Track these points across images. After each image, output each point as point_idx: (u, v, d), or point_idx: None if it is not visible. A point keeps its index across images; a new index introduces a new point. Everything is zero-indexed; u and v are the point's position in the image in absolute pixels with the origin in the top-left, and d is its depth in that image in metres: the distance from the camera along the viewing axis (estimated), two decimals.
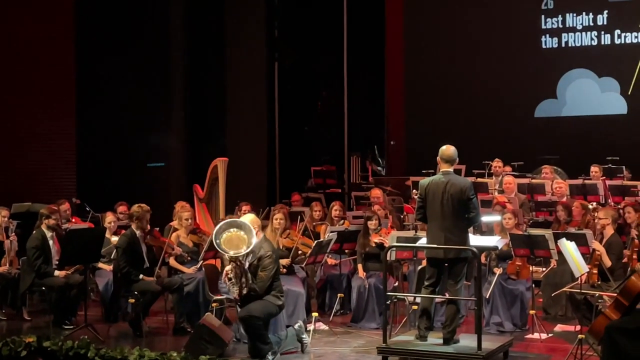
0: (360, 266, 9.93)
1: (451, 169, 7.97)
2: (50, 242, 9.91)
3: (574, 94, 16.56)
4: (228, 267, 8.10)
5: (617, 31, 16.18)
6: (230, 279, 8.01)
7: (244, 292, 8.00)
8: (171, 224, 10.38)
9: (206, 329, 8.25)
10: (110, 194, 12.97)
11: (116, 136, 15.86)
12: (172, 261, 9.86)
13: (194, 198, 11.96)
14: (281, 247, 9.63)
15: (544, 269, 10.07)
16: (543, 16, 16.73)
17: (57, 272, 9.79)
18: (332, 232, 10.07)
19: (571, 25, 16.54)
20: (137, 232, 9.50)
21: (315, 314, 9.37)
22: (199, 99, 17.38)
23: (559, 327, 9.46)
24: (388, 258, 8.75)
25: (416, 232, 9.51)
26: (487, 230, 10.49)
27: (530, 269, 9.45)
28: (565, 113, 16.66)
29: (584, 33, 16.46)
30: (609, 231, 9.05)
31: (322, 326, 9.47)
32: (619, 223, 9.56)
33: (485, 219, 10.19)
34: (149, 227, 9.66)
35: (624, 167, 13.76)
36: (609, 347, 6.95)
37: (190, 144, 17.33)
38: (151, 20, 16.51)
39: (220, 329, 8.36)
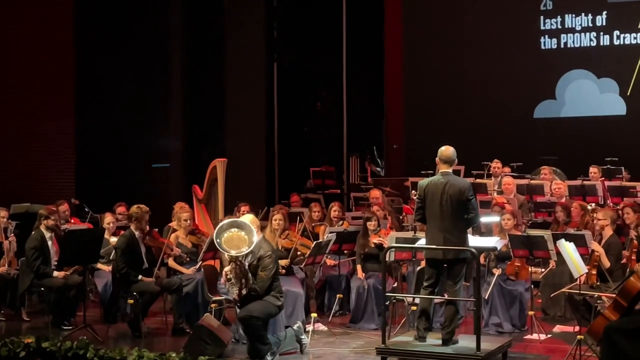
0: (359, 267, 9.93)
1: (450, 170, 7.97)
2: (49, 242, 9.91)
3: (573, 94, 16.56)
4: (227, 268, 8.10)
5: (616, 32, 16.18)
6: (229, 280, 8.01)
7: (244, 292, 8.00)
8: (170, 224, 10.38)
9: (205, 329, 8.25)
10: (109, 195, 12.97)
11: (115, 137, 15.85)
12: (171, 262, 9.86)
13: (192, 199, 11.96)
14: (280, 248, 9.63)
15: (542, 270, 10.08)
16: (542, 17, 16.73)
17: (56, 273, 9.78)
18: (331, 232, 10.07)
19: (570, 26, 16.54)
20: (136, 233, 9.49)
21: (314, 315, 9.38)
22: (198, 99, 17.37)
23: (557, 328, 9.46)
24: (387, 259, 8.74)
25: (415, 232, 9.51)
26: (486, 231, 10.49)
27: (529, 269, 9.45)
28: (564, 114, 16.66)
29: (583, 34, 16.46)
30: (608, 232, 9.05)
31: (321, 327, 9.47)
32: (617, 224, 9.57)
33: (484, 219, 10.19)
34: (147, 227, 9.66)
35: (622, 167, 13.77)
36: (608, 348, 6.95)
37: (189, 145, 17.33)
38: (150, 21, 16.50)
39: (219, 329, 8.36)
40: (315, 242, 9.59)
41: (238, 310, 8.17)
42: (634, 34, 16.03)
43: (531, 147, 15.93)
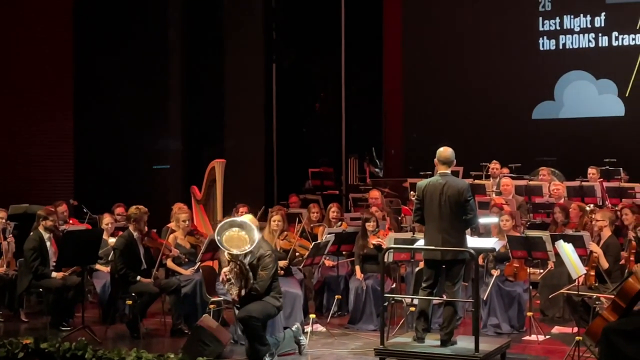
0: (358, 268, 9.93)
1: (449, 171, 7.96)
2: (48, 243, 9.90)
3: (571, 95, 16.57)
4: (226, 269, 8.10)
5: (615, 33, 16.19)
6: (229, 280, 8.01)
7: (244, 292, 7.99)
8: (169, 225, 10.38)
9: (203, 330, 8.25)
10: (108, 196, 12.96)
11: (114, 138, 15.84)
12: (169, 263, 9.86)
13: (191, 200, 11.96)
14: (278, 249, 9.63)
15: (541, 271, 10.09)
16: (540, 18, 16.75)
17: (54, 274, 9.78)
18: (329, 233, 10.07)
19: (569, 27, 16.56)
20: (135, 234, 9.49)
21: (312, 316, 9.38)
22: (198, 100, 17.37)
23: (556, 329, 9.46)
24: (386, 259, 8.75)
25: (414, 233, 9.51)
26: (485, 232, 10.49)
27: (528, 270, 9.46)
28: (563, 115, 16.68)
29: (581, 35, 16.47)
30: (607, 233, 9.06)
31: (319, 328, 9.47)
32: (616, 225, 9.56)
33: (483, 220, 10.19)
34: (146, 228, 9.66)
35: (621, 169, 13.77)
36: (606, 349, 6.95)
37: (188, 146, 17.33)
38: (149, 22, 16.50)
39: (218, 330, 8.36)
40: (313, 243, 9.59)
41: (237, 311, 8.17)
42: (632, 35, 16.05)
43: (530, 148, 15.94)
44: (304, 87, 18.79)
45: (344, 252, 10.31)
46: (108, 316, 9.85)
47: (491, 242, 8.61)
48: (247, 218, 8.37)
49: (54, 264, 9.84)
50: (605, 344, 6.97)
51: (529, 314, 9.21)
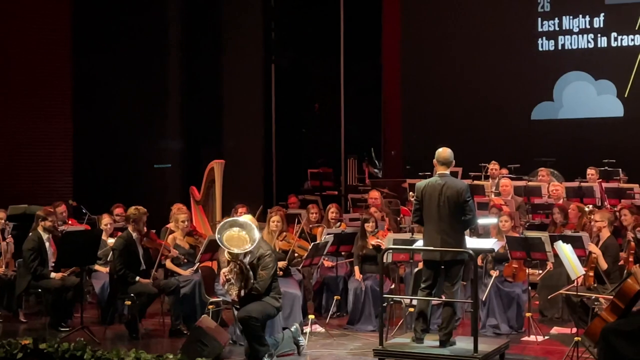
0: (357, 268, 9.93)
1: (447, 172, 7.97)
2: (47, 244, 9.90)
3: (570, 96, 16.58)
4: (226, 269, 8.10)
5: (614, 34, 16.20)
6: (229, 280, 8.01)
7: (245, 292, 7.99)
8: (167, 226, 10.38)
9: (202, 331, 8.25)
10: (107, 196, 12.96)
11: (113, 138, 15.84)
12: (168, 263, 9.85)
13: (190, 200, 11.96)
14: (277, 249, 9.63)
15: (540, 272, 10.09)
16: (539, 19, 16.75)
17: (53, 274, 9.78)
18: (328, 234, 10.07)
19: (568, 28, 16.56)
20: (134, 234, 9.49)
21: (311, 316, 9.37)
22: (196, 100, 17.37)
23: (555, 330, 9.46)
24: (385, 260, 8.74)
25: (413, 234, 9.51)
26: (484, 233, 10.49)
27: (527, 271, 9.46)
28: (562, 116, 16.68)
29: (580, 36, 16.48)
30: (605, 234, 9.06)
31: (318, 328, 9.47)
32: (615, 225, 9.57)
33: (482, 221, 10.19)
34: (145, 229, 9.66)
35: (620, 169, 13.79)
36: (605, 350, 6.96)
37: (187, 146, 17.32)
38: (148, 23, 16.49)
39: (217, 331, 8.36)
40: (312, 244, 9.59)
41: (236, 312, 8.17)
42: (631, 36, 16.05)
43: (529, 149, 15.94)
44: (303, 87, 18.79)
45: (343, 253, 10.30)
46: (107, 317, 9.85)
47: (490, 243, 8.62)
48: (247, 218, 8.37)
49: (53, 264, 9.83)
50: (604, 344, 6.97)
51: (528, 314, 9.21)
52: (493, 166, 13.82)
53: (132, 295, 9.26)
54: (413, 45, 17.64)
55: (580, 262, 8.48)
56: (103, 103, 15.83)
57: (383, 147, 18.23)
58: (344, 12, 18.00)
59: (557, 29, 16.63)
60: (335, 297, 10.08)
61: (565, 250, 8.29)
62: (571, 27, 16.53)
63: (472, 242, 8.20)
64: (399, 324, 9.41)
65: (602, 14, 16.27)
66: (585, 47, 16.43)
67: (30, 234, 9.96)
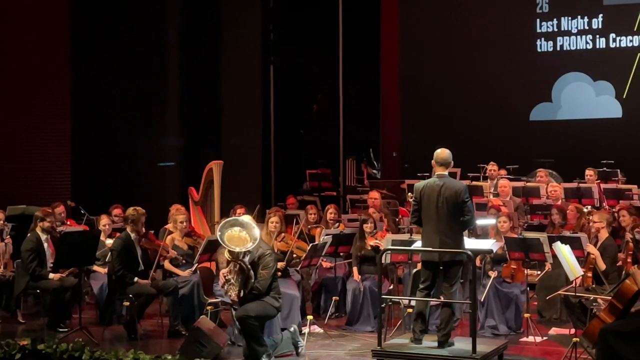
0: (355, 269, 9.93)
1: (446, 172, 7.97)
2: (45, 244, 9.89)
3: (569, 97, 16.58)
4: (225, 270, 8.10)
5: (612, 35, 16.21)
6: (228, 281, 8.00)
7: (245, 292, 7.99)
8: (166, 226, 10.38)
9: (201, 331, 8.25)
10: (105, 197, 12.95)
11: (112, 139, 15.84)
12: (166, 264, 9.85)
13: (189, 201, 11.95)
14: (276, 250, 9.62)
15: (538, 272, 10.08)
16: (538, 20, 16.76)
17: (51, 275, 9.77)
18: (327, 235, 10.07)
19: (566, 29, 16.57)
20: (132, 235, 9.49)
21: (310, 317, 9.36)
22: (195, 101, 17.37)
23: (553, 331, 9.47)
24: (383, 261, 8.74)
25: (411, 235, 9.51)
26: (482, 234, 10.50)
27: (525, 272, 9.47)
28: (560, 116, 16.68)
29: (579, 36, 16.48)
30: (604, 234, 9.06)
31: (317, 329, 9.46)
32: (613, 226, 9.56)
33: (480, 222, 10.20)
34: (143, 230, 9.65)
35: (618, 170, 13.79)
36: (604, 351, 6.96)
37: (185, 147, 17.33)
38: (147, 23, 16.49)
39: (215, 331, 8.35)
40: (311, 245, 9.59)
41: (234, 312, 8.17)
42: (629, 37, 16.06)
43: (527, 150, 15.94)
44: (301, 88, 18.79)
45: (341, 254, 10.31)
46: (105, 317, 9.85)
47: (489, 244, 8.62)
48: (246, 219, 8.37)
49: (52, 265, 9.83)
50: (602, 345, 6.97)
51: (527, 315, 9.21)
52: (492, 167, 13.83)
53: (130, 296, 9.26)
54: (412, 46, 17.64)
55: (579, 263, 8.48)
56: (102, 104, 15.84)
57: (382, 148, 18.23)
58: (343, 13, 18.00)
59: (555, 29, 16.64)
60: (334, 297, 10.09)
61: (564, 251, 8.29)
62: (570, 28, 16.53)
63: (470, 243, 8.20)
64: (398, 324, 9.41)
65: (600, 15, 16.28)
66: (584, 48, 16.44)
67: (29, 234, 9.95)
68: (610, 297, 7.47)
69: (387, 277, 9.84)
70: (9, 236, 10.83)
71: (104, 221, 10.80)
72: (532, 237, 9.25)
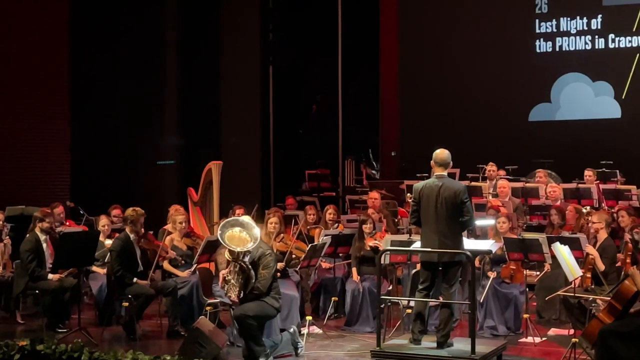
0: (354, 270, 9.93)
1: (445, 173, 7.98)
2: (44, 245, 9.89)
3: (568, 98, 16.58)
4: (225, 270, 8.10)
5: (611, 35, 16.21)
6: (228, 282, 8.00)
7: (246, 292, 7.98)
8: (165, 227, 10.37)
9: (200, 332, 8.25)
10: (105, 197, 12.95)
11: (111, 139, 15.84)
12: (166, 264, 9.85)
13: (188, 201, 11.95)
14: (275, 251, 9.62)
15: (537, 273, 10.08)
16: (537, 20, 16.76)
17: (50, 276, 9.76)
18: (326, 235, 10.07)
19: (565, 29, 16.57)
20: (131, 236, 9.49)
21: (309, 318, 9.36)
22: (194, 101, 17.38)
23: (552, 331, 9.47)
24: (382, 261, 8.74)
25: (410, 235, 9.51)
26: (481, 234, 10.50)
27: (524, 272, 9.47)
28: (559, 117, 16.69)
29: (578, 37, 16.48)
30: (603, 235, 9.06)
31: (316, 330, 9.46)
32: (612, 227, 9.57)
33: (479, 222, 10.20)
34: (143, 230, 9.65)
35: (617, 171, 13.78)
36: (603, 351, 6.96)
37: (185, 147, 17.33)
38: (146, 24, 16.50)
39: (214, 332, 8.35)
40: (310, 245, 9.59)
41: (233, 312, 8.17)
42: (629, 38, 16.06)
43: (526, 150, 15.94)
44: (300, 89, 18.80)
45: (340, 254, 10.31)
46: (104, 318, 9.83)
47: (488, 244, 8.62)
48: (246, 219, 8.37)
49: (51, 265, 9.82)
50: (601, 346, 6.97)
51: (526, 316, 9.21)
52: (491, 167, 13.82)
53: (129, 296, 9.26)
54: (411, 46, 17.65)
55: (578, 264, 8.48)
56: (101, 104, 15.84)
57: (381, 149, 18.23)
58: (342, 14, 18.01)
59: (554, 30, 16.64)
60: (333, 298, 10.09)
61: (563, 252, 8.29)
62: (569, 29, 16.54)
63: (469, 244, 8.21)
64: (397, 325, 9.41)
65: (599, 16, 16.28)
66: (583, 48, 16.44)
67: (28, 235, 9.95)
68: (609, 298, 7.48)
69: (386, 277, 9.83)
70: (8, 237, 10.82)
71: (103, 222, 10.80)
72: (531, 237, 9.25)
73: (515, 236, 9.52)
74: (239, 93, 17.41)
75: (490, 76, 16.87)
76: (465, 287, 9.46)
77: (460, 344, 7.86)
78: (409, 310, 8.65)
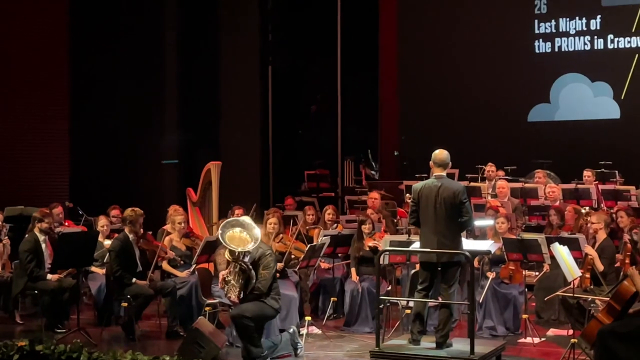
0: (353, 270, 9.93)
1: (444, 173, 7.98)
2: (43, 245, 9.88)
3: (567, 98, 16.59)
4: (225, 271, 8.09)
5: (610, 36, 16.22)
6: (228, 282, 8.00)
7: (246, 292, 7.98)
8: (164, 227, 10.37)
9: (199, 333, 8.25)
10: (103, 198, 12.95)
11: (110, 140, 15.84)
12: (165, 265, 9.84)
13: (187, 202, 11.95)
14: (274, 251, 9.61)
15: (536, 273, 10.08)
16: (536, 21, 16.76)
17: (49, 276, 9.75)
18: (325, 235, 10.07)
19: (564, 30, 16.58)
20: (130, 236, 9.49)
21: (308, 318, 9.37)
22: (194, 102, 17.38)
23: (551, 332, 9.47)
24: (381, 262, 8.74)
25: (409, 236, 9.51)
26: (480, 235, 10.50)
27: (523, 273, 9.47)
28: (559, 117, 16.69)
29: (577, 37, 16.49)
30: (602, 235, 9.06)
31: (315, 330, 9.46)
32: (611, 227, 9.57)
33: (478, 223, 10.20)
34: (142, 230, 9.65)
35: (616, 171, 13.78)
36: (602, 352, 6.96)
37: (184, 148, 17.33)
38: (145, 25, 16.50)
39: (213, 333, 8.35)
40: (309, 246, 9.59)
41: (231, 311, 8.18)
42: (628, 38, 16.07)
43: (525, 151, 15.94)
44: (299, 89, 18.79)
45: (339, 255, 10.31)
46: (103, 318, 9.83)
47: (487, 245, 8.63)
48: (247, 219, 8.37)
49: (49, 266, 9.82)
50: (600, 346, 6.97)
51: (525, 316, 9.21)
52: (490, 168, 13.82)
53: (128, 296, 9.26)
54: (410, 47, 17.65)
55: (577, 264, 8.49)
56: (100, 105, 15.84)
57: (380, 149, 18.23)
58: (341, 14, 18.01)
59: (553, 30, 16.65)
60: (332, 298, 10.09)
61: (562, 252, 8.29)
62: (568, 29, 16.54)
63: (468, 244, 8.21)
64: (396, 325, 9.41)
65: (598, 16, 16.29)
66: (582, 49, 16.45)
67: (27, 235, 9.95)
68: (608, 298, 7.48)
69: (385, 278, 9.84)
70: (7, 237, 10.82)
71: (102, 222, 10.81)
72: (530, 238, 9.25)
73: (514, 236, 9.52)
74: (239, 93, 17.41)
75: (489, 76, 16.87)
76: (464, 288, 9.46)
77: (459, 345, 7.86)
78: (408, 311, 8.65)
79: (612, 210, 11.10)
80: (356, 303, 9.69)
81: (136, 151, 16.24)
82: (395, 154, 17.75)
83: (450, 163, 8.06)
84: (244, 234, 8.02)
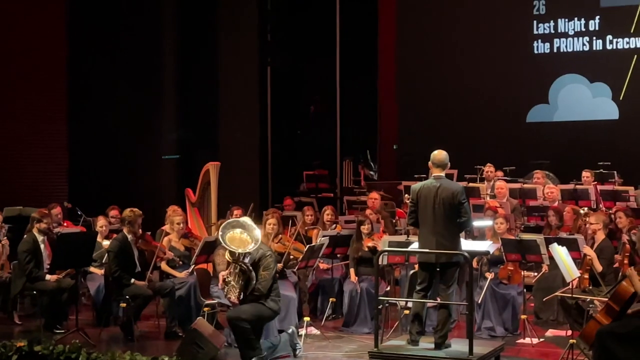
0: (352, 270, 9.93)
1: (443, 174, 7.98)
2: (42, 246, 9.88)
3: (565, 99, 16.61)
4: (225, 272, 8.09)
5: (609, 36, 16.23)
6: (228, 283, 7.99)
7: (246, 293, 7.97)
8: (163, 228, 10.36)
9: (198, 333, 8.24)
10: (102, 198, 12.94)
11: (109, 140, 15.83)
12: (163, 265, 9.84)
13: (186, 202, 11.95)
14: (273, 252, 9.61)
15: (535, 274, 10.09)
16: (535, 21, 16.78)
17: (48, 276, 9.75)
18: (324, 236, 10.07)
19: (563, 31, 16.59)
20: (129, 236, 9.48)
21: (307, 319, 9.37)
22: (192, 103, 17.38)
23: (550, 332, 9.47)
24: (380, 262, 8.75)
25: (408, 236, 9.51)
26: (479, 235, 10.49)
27: (522, 273, 9.47)
28: (557, 118, 16.71)
29: (575, 38, 16.51)
30: (600, 236, 9.06)
31: (314, 331, 9.46)
32: (610, 228, 9.57)
33: (477, 223, 10.20)
34: (140, 231, 9.65)
35: (615, 172, 13.79)
36: (600, 352, 6.97)
37: (182, 148, 17.32)
38: (144, 26, 16.49)
39: (212, 333, 8.35)
40: (308, 246, 9.58)
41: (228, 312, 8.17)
42: (626, 39, 16.09)
43: (524, 151, 15.96)
44: (298, 89, 18.80)
45: (338, 255, 10.31)
46: (102, 319, 9.83)
47: (485, 245, 8.63)
48: (247, 220, 8.37)
49: (48, 266, 9.81)
50: (599, 346, 6.98)
51: (523, 316, 9.21)
52: (488, 168, 13.83)
53: (127, 297, 9.25)
54: (409, 47, 17.66)
55: (576, 265, 8.49)
56: (99, 106, 15.83)
57: (379, 149, 18.23)
58: (340, 14, 18.01)
59: (552, 31, 16.67)
60: (331, 299, 10.09)
61: (561, 253, 8.29)
62: (567, 30, 16.56)
63: (467, 245, 8.20)
64: (395, 326, 9.41)
65: (597, 17, 16.31)
66: (581, 49, 16.47)
67: (25, 235, 9.94)
68: (606, 299, 7.48)
69: (384, 278, 9.84)
70: (5, 237, 10.81)
71: (100, 222, 10.81)
72: (528, 238, 9.25)
73: (512, 237, 9.52)
74: (238, 94, 17.41)
75: (488, 77, 16.89)
76: (463, 288, 9.46)
77: (458, 345, 7.86)
78: (407, 311, 8.65)
79: (610, 211, 11.11)
80: (355, 303, 9.69)
81: (135, 152, 16.23)
82: (395, 147, 17.75)
83: (449, 163, 8.06)
84: (245, 235, 8.01)
